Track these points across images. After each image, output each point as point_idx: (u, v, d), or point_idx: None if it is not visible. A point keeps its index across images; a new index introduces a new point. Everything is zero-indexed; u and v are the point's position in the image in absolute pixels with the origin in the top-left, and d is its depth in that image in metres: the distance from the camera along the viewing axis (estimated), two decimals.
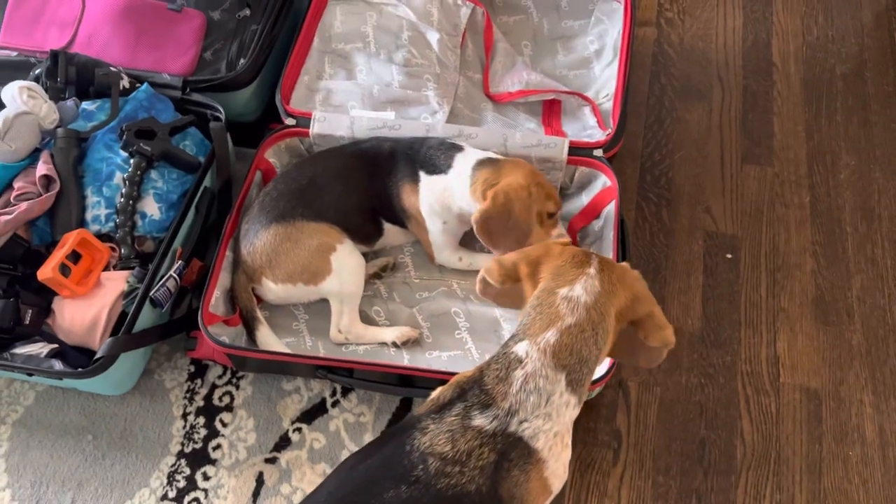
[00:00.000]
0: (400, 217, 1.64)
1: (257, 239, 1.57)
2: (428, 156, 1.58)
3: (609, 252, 1.57)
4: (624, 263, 1.19)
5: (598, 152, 1.70)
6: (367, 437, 1.53)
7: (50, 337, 1.55)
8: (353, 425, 1.55)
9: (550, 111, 1.95)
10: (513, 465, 1.05)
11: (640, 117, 1.99)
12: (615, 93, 1.84)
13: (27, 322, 1.52)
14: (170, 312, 1.62)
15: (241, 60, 1.85)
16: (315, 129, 1.75)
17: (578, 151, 1.70)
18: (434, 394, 1.16)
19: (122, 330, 1.46)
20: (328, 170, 1.62)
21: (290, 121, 1.77)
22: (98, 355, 1.43)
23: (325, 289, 1.58)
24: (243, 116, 1.90)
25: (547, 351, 1.07)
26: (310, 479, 1.49)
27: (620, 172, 1.88)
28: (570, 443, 1.11)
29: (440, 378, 1.40)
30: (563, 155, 1.69)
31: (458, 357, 1.59)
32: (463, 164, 1.55)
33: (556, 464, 1.09)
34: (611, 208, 1.65)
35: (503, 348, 1.12)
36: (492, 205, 1.48)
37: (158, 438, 1.55)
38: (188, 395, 1.60)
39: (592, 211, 1.71)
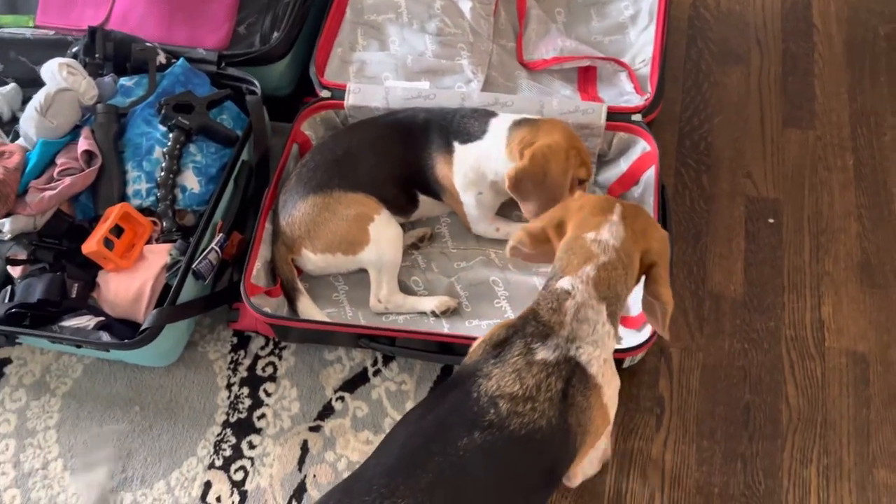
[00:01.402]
0: (434, 189, 1.63)
1: (296, 210, 1.58)
2: (462, 125, 1.57)
3: None
4: (649, 217, 1.22)
5: (637, 117, 1.68)
6: (409, 405, 1.54)
7: (96, 310, 1.58)
8: (395, 393, 1.56)
9: (586, 78, 1.92)
10: (577, 392, 1.09)
11: (678, 82, 1.96)
12: (653, 56, 1.81)
13: (74, 295, 1.55)
14: (212, 285, 1.64)
15: (275, 34, 1.85)
16: (350, 100, 1.75)
17: (617, 117, 1.68)
18: (484, 335, 1.19)
19: (167, 302, 1.48)
20: (364, 141, 1.62)
21: (324, 93, 1.77)
22: (143, 327, 1.46)
23: (363, 258, 1.59)
24: (278, 90, 1.90)
25: (589, 283, 1.12)
26: (353, 446, 1.50)
27: (659, 138, 1.83)
28: (615, 369, 1.16)
29: None
30: (601, 120, 1.68)
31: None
32: (499, 126, 1.54)
33: (610, 390, 1.14)
34: (650, 174, 1.63)
35: (545, 289, 1.16)
36: (529, 163, 1.47)
37: (204, 409, 1.57)
38: (232, 367, 1.62)
39: (631, 177, 1.69)
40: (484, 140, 1.54)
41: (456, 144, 1.57)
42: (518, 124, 1.53)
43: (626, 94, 1.84)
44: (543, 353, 1.10)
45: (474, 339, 1.45)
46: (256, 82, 1.76)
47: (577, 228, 1.17)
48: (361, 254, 1.58)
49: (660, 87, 1.72)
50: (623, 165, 1.71)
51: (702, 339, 1.57)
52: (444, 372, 1.57)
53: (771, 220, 1.72)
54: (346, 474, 1.47)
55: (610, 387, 1.14)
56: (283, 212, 1.60)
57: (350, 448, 1.50)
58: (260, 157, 1.73)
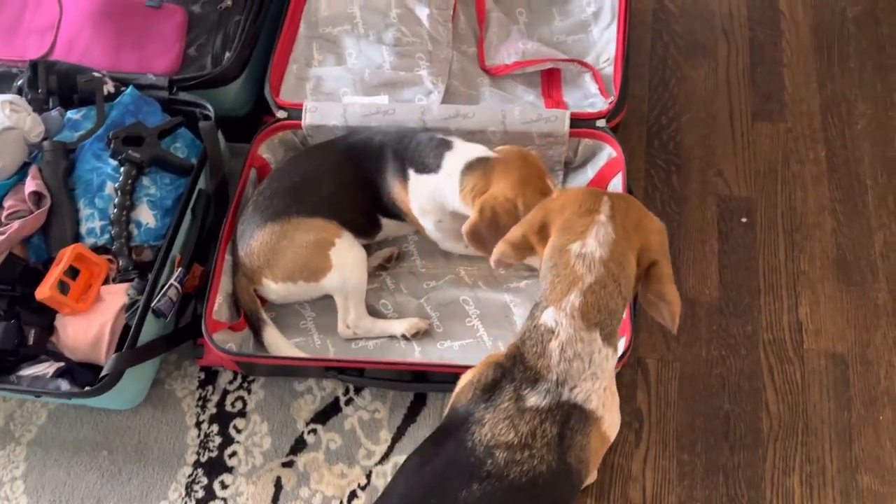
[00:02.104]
0: (394, 212, 1.59)
1: (253, 239, 1.53)
2: (417, 153, 1.53)
3: None
4: (641, 208, 1.13)
5: (601, 122, 1.63)
6: (384, 434, 1.51)
7: (56, 355, 1.53)
8: (368, 422, 1.52)
9: (550, 81, 1.87)
10: (574, 432, 1.04)
11: (644, 79, 1.91)
12: (615, 57, 1.77)
13: (31, 342, 1.50)
14: (175, 321, 1.60)
15: (227, 54, 1.79)
16: (307, 119, 1.69)
17: (581, 123, 1.64)
18: (469, 376, 1.12)
19: (126, 345, 1.44)
20: (320, 166, 1.57)
21: (281, 113, 1.72)
22: (103, 373, 1.41)
23: (327, 285, 1.55)
24: (235, 111, 1.85)
25: (575, 315, 1.05)
26: (328, 480, 1.47)
27: (626, 140, 1.81)
28: (615, 389, 1.11)
29: (453, 371, 1.36)
30: (564, 128, 1.63)
31: (470, 346, 1.55)
32: (453, 164, 1.49)
33: (612, 416, 1.09)
34: (618, 181, 1.59)
35: (531, 320, 1.09)
36: (479, 218, 1.42)
37: (174, 449, 1.53)
38: (200, 403, 1.58)
39: (599, 184, 1.65)
40: (439, 175, 1.50)
41: (411, 173, 1.52)
42: (471, 167, 1.47)
43: (591, 97, 1.79)
44: (534, 400, 1.04)
45: (446, 366, 1.43)
46: (210, 107, 1.70)
47: (561, 234, 1.08)
48: (324, 280, 1.54)
49: (623, 90, 1.67)
50: (590, 172, 1.67)
51: (678, 348, 1.54)
52: (417, 399, 1.53)
53: (744, 220, 1.68)
54: None
55: (612, 412, 1.09)
56: (242, 242, 1.56)
57: (325, 483, 1.47)
58: (217, 185, 1.67)
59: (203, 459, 1.52)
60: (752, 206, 1.69)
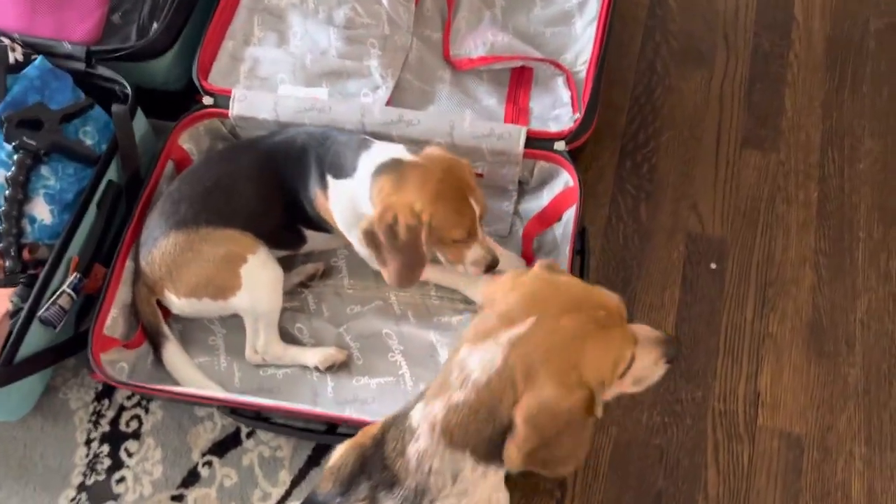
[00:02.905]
0: (319, 224, 1.41)
1: (155, 248, 1.37)
2: (336, 155, 1.34)
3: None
4: (579, 365, 0.87)
5: (560, 145, 1.43)
6: (283, 475, 1.38)
7: None
8: (269, 461, 1.39)
9: (520, 80, 1.66)
10: None
11: (627, 86, 1.69)
12: (588, 65, 1.55)
13: None
14: (74, 326, 1.45)
15: (154, 24, 1.59)
16: (235, 109, 1.51)
17: (537, 143, 1.44)
18: (335, 459, 0.99)
19: (2, 360, 1.30)
20: (238, 170, 1.39)
21: (207, 99, 1.53)
22: None
23: (235, 305, 1.39)
24: (167, 85, 1.66)
25: (436, 428, 0.88)
26: None
27: (596, 156, 1.61)
28: (502, 499, 0.97)
29: (361, 425, 1.21)
30: (518, 148, 1.43)
31: (389, 385, 1.40)
32: (366, 166, 1.30)
33: None
34: (571, 214, 1.40)
35: (406, 407, 0.94)
36: (377, 221, 1.25)
37: (59, 468, 1.41)
38: (93, 419, 1.45)
39: (553, 213, 1.46)
40: (354, 178, 1.31)
41: (329, 178, 1.34)
42: (383, 168, 1.28)
43: (560, 107, 1.58)
44: None
45: (349, 420, 1.28)
46: (128, 86, 1.51)
47: (478, 323, 0.91)
48: (232, 299, 1.39)
49: (590, 108, 1.46)
50: (545, 198, 1.48)
51: (617, 410, 1.38)
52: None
53: (713, 266, 1.49)
54: None
55: None
56: (144, 249, 1.40)
57: None
58: (130, 177, 1.51)
59: (89, 482, 1.40)
60: (725, 250, 1.50)
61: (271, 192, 1.39)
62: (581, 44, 1.65)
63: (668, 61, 1.71)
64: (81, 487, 1.40)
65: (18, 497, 1.40)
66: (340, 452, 0.99)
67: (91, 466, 1.41)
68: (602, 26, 1.57)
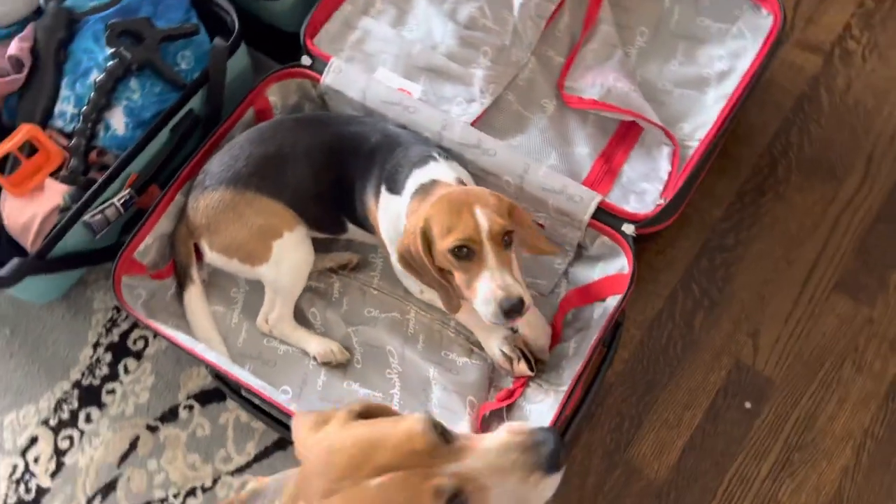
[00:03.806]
0: (365, 225, 1.38)
1: (203, 196, 1.38)
2: (395, 167, 1.29)
3: (576, 364, 1.25)
4: None
5: (629, 228, 1.32)
6: (250, 446, 1.40)
7: None
8: (243, 427, 1.42)
9: (625, 136, 1.54)
10: None
11: (737, 178, 1.54)
12: (696, 150, 1.41)
13: None
14: (117, 236, 1.51)
15: None
16: (327, 79, 1.47)
17: (606, 217, 1.34)
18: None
19: (35, 253, 1.37)
20: (303, 145, 1.37)
21: (306, 59, 1.50)
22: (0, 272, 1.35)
23: (260, 273, 1.40)
24: (287, 26, 1.64)
25: None
26: (178, 465, 1.39)
27: (674, 241, 1.49)
28: None
29: None
30: (584, 216, 1.34)
31: (376, 401, 1.38)
32: (412, 185, 1.25)
33: None
34: (612, 303, 1.30)
35: None
36: (400, 243, 1.23)
37: (65, 359, 1.49)
38: (108, 325, 1.52)
39: (598, 292, 1.36)
40: (401, 196, 1.27)
41: (383, 189, 1.30)
42: (420, 190, 1.23)
43: (654, 180, 1.46)
44: None
45: None
46: (237, 21, 1.51)
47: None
48: (259, 268, 1.39)
49: (676, 201, 1.34)
50: (596, 274, 1.38)
51: None
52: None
53: (748, 405, 1.36)
54: (156, 492, 1.38)
55: None
56: (195, 191, 1.41)
57: (174, 465, 1.40)
58: (212, 112, 1.52)
59: (84, 383, 1.47)
60: (768, 393, 1.37)
61: (327, 178, 1.36)
62: (704, 117, 1.50)
63: (794, 166, 1.54)
64: (76, 385, 1.47)
65: (23, 372, 1.49)
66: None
67: (90, 369, 1.48)
68: (729, 110, 1.42)
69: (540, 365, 1.36)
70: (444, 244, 1.15)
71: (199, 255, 1.45)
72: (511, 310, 1.14)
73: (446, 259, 1.17)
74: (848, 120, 1.56)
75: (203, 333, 1.42)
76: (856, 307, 1.42)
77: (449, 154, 1.34)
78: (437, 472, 0.69)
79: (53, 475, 1.41)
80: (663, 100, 1.56)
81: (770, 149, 1.55)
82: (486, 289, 1.15)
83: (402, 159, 1.29)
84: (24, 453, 1.43)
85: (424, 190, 1.22)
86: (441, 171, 1.26)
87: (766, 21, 1.50)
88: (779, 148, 1.55)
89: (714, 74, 1.55)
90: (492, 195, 1.20)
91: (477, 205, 1.15)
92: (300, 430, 0.79)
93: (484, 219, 1.14)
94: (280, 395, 1.29)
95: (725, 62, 1.55)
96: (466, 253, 1.15)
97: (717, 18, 1.57)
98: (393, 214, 1.29)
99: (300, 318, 1.44)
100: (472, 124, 1.45)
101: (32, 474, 1.41)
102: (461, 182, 1.26)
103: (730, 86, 1.50)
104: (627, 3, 1.62)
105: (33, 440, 1.44)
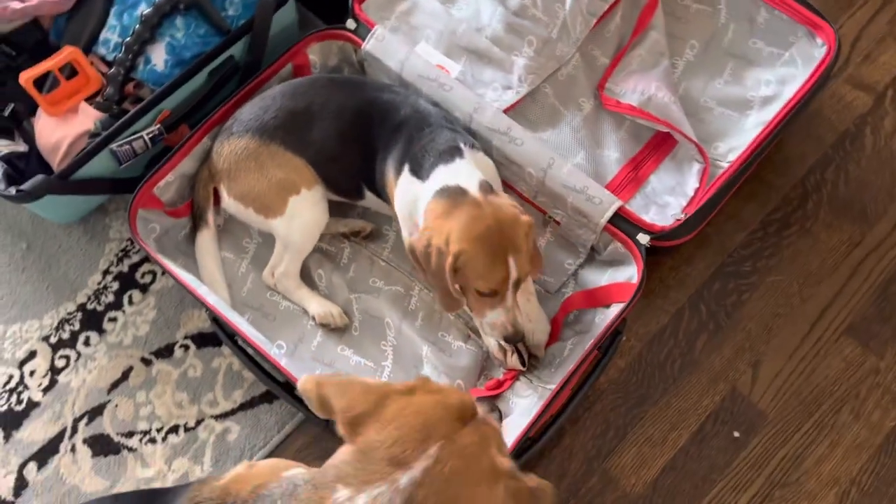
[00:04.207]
0: (382, 195, 1.38)
1: (228, 142, 1.40)
2: (422, 150, 1.28)
3: (569, 365, 1.25)
4: (491, 480, 0.80)
5: (644, 238, 1.31)
6: (238, 394, 1.42)
7: (27, 137, 1.52)
8: (234, 375, 1.43)
9: (658, 146, 1.52)
10: None
11: (765, 205, 1.51)
12: (726, 171, 1.39)
13: (6, 114, 1.50)
14: (143, 169, 1.52)
15: None
16: (368, 45, 1.47)
17: (623, 224, 1.32)
18: (204, 489, 0.90)
19: (58, 173, 1.39)
20: (332, 104, 1.37)
21: (351, 23, 1.50)
22: (21, 186, 1.38)
23: (272, 226, 1.41)
24: None
25: None
26: (165, 400, 1.41)
27: (690, 260, 1.47)
28: None
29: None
30: (601, 218, 1.33)
31: (367, 370, 1.39)
32: (437, 180, 1.24)
33: None
34: (614, 311, 1.29)
35: (271, 496, 0.84)
36: (417, 242, 1.22)
37: (74, 281, 1.52)
38: (120, 255, 1.54)
39: (603, 298, 1.35)
40: (423, 185, 1.26)
41: (406, 168, 1.29)
42: (443, 192, 1.22)
43: (679, 195, 1.45)
44: None
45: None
46: None
47: (349, 459, 0.81)
48: (272, 221, 1.40)
49: (696, 219, 1.32)
50: (604, 279, 1.37)
51: None
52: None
53: (736, 434, 1.34)
54: (140, 423, 1.40)
55: None
56: (221, 136, 1.42)
57: (161, 399, 1.42)
58: (252, 62, 1.53)
59: (89, 307, 1.50)
60: (758, 426, 1.34)
61: (352, 141, 1.36)
62: (741, 140, 1.47)
63: (825, 203, 1.50)
64: (81, 308, 1.50)
65: (33, 287, 1.52)
66: (214, 485, 0.91)
67: (97, 295, 1.51)
68: (766, 136, 1.40)
69: (533, 360, 1.36)
70: (474, 284, 1.20)
71: (217, 200, 1.47)
72: (511, 339, 1.26)
73: (469, 288, 1.22)
74: (889, 164, 1.52)
75: (209, 276, 1.44)
76: (864, 354, 1.38)
77: (475, 143, 1.33)
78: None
79: (46, 391, 1.44)
80: (703, 116, 1.54)
81: (804, 181, 1.52)
82: (497, 320, 1.24)
83: (429, 145, 1.28)
84: (21, 365, 1.46)
85: (449, 195, 1.22)
86: (467, 173, 1.24)
87: (819, 51, 1.46)
88: (813, 182, 1.52)
89: (759, 98, 1.52)
90: (518, 223, 1.19)
91: (510, 251, 1.18)
92: (357, 404, 0.83)
93: (514, 269, 1.19)
94: (273, 349, 1.31)
95: (772, 87, 1.51)
96: (489, 293, 1.21)
97: (770, 42, 1.54)
98: (410, 196, 1.28)
99: (306, 277, 1.45)
100: (505, 111, 1.45)
101: (26, 387, 1.44)
102: (487, 186, 1.25)
103: (772, 112, 1.47)
104: (682, 13, 1.59)
105: (32, 354, 1.47)
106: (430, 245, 1.19)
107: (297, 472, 0.89)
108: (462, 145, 1.28)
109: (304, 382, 0.89)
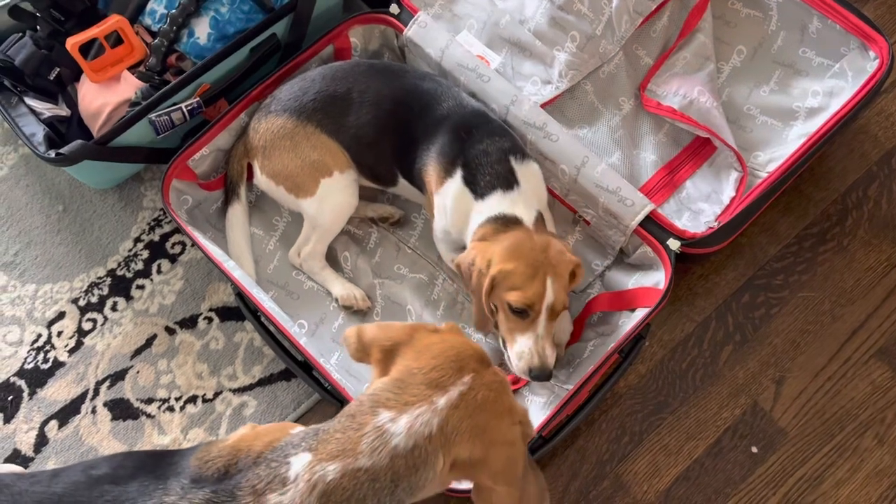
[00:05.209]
0: (417, 184, 1.38)
1: (265, 119, 1.40)
2: (478, 162, 1.27)
3: (588, 367, 1.23)
4: (506, 409, 0.89)
5: (674, 244, 1.29)
6: (257, 370, 1.43)
7: (71, 102, 1.55)
8: (255, 351, 1.44)
9: (697, 152, 1.50)
10: None
11: (801, 219, 1.47)
12: (764, 180, 1.36)
13: (51, 78, 1.52)
14: (180, 140, 1.54)
15: None
16: (410, 31, 1.47)
17: (654, 228, 1.30)
18: (212, 449, 0.91)
19: (97, 139, 1.41)
20: (371, 91, 1.36)
21: (394, 8, 1.50)
22: (61, 150, 1.40)
23: (302, 206, 1.42)
24: None
25: (316, 489, 0.83)
26: (185, 370, 1.43)
27: (720, 270, 1.44)
28: None
29: (338, 392, 1.23)
30: (632, 221, 1.31)
31: None
32: (493, 205, 1.25)
33: None
34: (639, 316, 1.27)
35: (285, 447, 0.87)
36: (463, 258, 1.25)
37: (106, 247, 1.54)
38: (152, 224, 1.56)
39: (628, 301, 1.34)
40: (477, 204, 1.27)
41: (458, 175, 1.28)
42: (494, 220, 1.24)
43: (714, 203, 1.42)
44: None
45: (325, 375, 1.27)
46: None
47: (390, 384, 0.88)
48: (302, 201, 1.41)
49: (729, 228, 1.29)
50: (631, 282, 1.35)
51: None
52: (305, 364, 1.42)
53: (755, 450, 1.32)
54: (160, 391, 1.42)
55: None
56: (259, 113, 1.43)
57: (182, 369, 1.44)
58: (294, 40, 1.53)
59: (118, 273, 1.52)
60: (778, 443, 1.32)
61: (391, 129, 1.36)
62: (783, 151, 1.44)
63: (865, 220, 1.46)
64: (111, 273, 1.52)
65: (66, 249, 1.55)
66: (222, 446, 0.92)
67: (126, 262, 1.53)
68: (807, 148, 1.36)
69: None
70: (507, 296, 1.19)
71: (250, 176, 1.48)
72: (537, 377, 1.21)
73: (502, 305, 1.21)
74: None
75: (236, 250, 1.45)
76: (893, 379, 1.35)
77: (524, 149, 1.31)
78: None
79: (72, 352, 1.46)
80: (745, 124, 1.51)
81: (845, 197, 1.48)
82: (526, 348, 1.21)
83: (483, 158, 1.27)
84: (49, 325, 1.49)
85: (504, 222, 1.23)
86: (524, 205, 1.25)
87: (871, 64, 1.42)
88: (854, 198, 1.48)
89: (804, 109, 1.48)
90: (564, 256, 1.20)
91: (551, 274, 1.18)
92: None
93: (552, 292, 1.19)
94: (294, 328, 1.31)
95: (819, 99, 1.48)
96: (522, 311, 1.20)
97: (821, 52, 1.50)
98: (463, 207, 1.29)
99: (332, 259, 1.46)
100: (543, 106, 1.43)
101: (53, 346, 1.47)
102: (541, 220, 1.26)
103: (817, 124, 1.43)
104: (732, 17, 1.56)
105: (61, 315, 1.50)
106: (474, 264, 1.22)
107: (307, 427, 0.92)
108: (514, 163, 1.27)
109: (347, 332, 0.98)
